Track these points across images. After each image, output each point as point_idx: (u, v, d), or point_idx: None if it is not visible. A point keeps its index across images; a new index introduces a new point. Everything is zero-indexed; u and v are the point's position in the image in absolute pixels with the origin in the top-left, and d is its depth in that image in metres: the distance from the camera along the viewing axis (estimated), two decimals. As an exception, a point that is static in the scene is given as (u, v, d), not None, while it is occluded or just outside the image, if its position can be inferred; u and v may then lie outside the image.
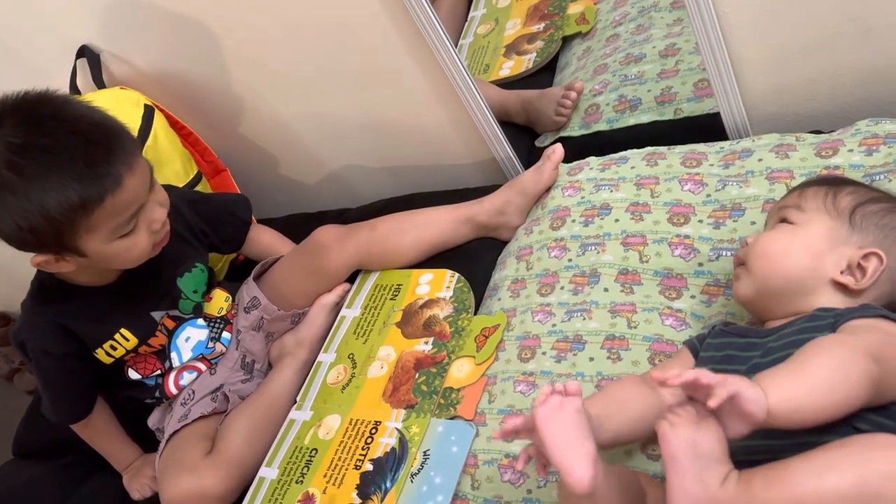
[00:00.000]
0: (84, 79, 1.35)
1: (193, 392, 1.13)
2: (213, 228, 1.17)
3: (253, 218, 1.26)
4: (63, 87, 1.35)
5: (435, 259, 1.17)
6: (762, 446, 0.63)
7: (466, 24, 1.45)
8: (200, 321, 1.13)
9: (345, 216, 1.37)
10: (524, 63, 1.34)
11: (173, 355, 1.12)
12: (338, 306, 1.19)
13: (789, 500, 0.54)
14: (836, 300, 0.73)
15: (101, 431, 1.15)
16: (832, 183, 0.80)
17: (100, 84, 1.33)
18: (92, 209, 0.86)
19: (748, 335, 0.75)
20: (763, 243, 0.78)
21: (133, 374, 1.10)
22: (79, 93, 1.35)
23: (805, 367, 0.60)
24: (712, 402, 0.57)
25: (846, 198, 0.77)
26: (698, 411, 0.59)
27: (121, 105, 1.26)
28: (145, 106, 1.27)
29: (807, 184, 0.82)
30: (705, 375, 0.58)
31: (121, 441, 1.17)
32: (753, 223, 0.91)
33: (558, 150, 1.12)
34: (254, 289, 1.18)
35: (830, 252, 0.74)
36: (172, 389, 1.13)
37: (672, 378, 0.59)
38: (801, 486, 0.54)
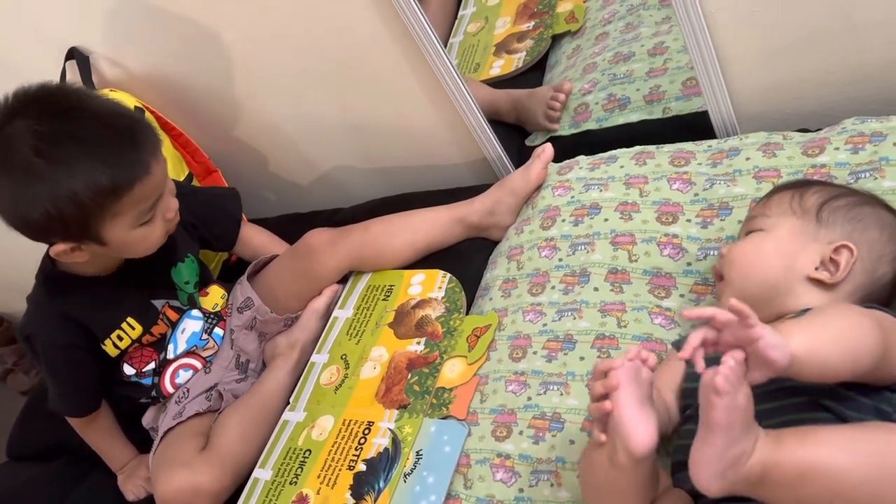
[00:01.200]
0: (73, 81, 1.34)
1: (188, 390, 1.13)
2: (203, 223, 1.17)
3: (244, 216, 1.26)
4: (52, 89, 1.34)
5: (427, 259, 1.18)
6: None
7: (456, 22, 1.45)
8: (196, 312, 1.14)
9: (337, 216, 1.37)
10: (514, 62, 1.35)
11: (170, 347, 1.12)
12: (329, 309, 1.19)
13: (817, 461, 0.55)
14: (815, 297, 0.74)
15: (101, 429, 1.16)
16: (797, 186, 0.82)
17: (89, 86, 1.33)
18: (121, 195, 0.89)
19: None
20: (735, 253, 0.80)
21: (128, 370, 1.10)
22: (68, 95, 1.35)
23: (821, 319, 0.62)
24: (719, 316, 0.58)
25: (812, 197, 0.79)
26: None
27: (111, 107, 1.26)
28: (135, 108, 1.27)
29: (772, 192, 0.84)
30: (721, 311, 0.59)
31: (119, 441, 1.18)
32: (740, 222, 0.92)
33: (548, 150, 1.12)
34: (248, 289, 1.19)
35: (802, 250, 0.75)
36: (169, 388, 1.14)
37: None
38: (833, 448, 0.56)
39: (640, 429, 0.62)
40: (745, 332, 0.58)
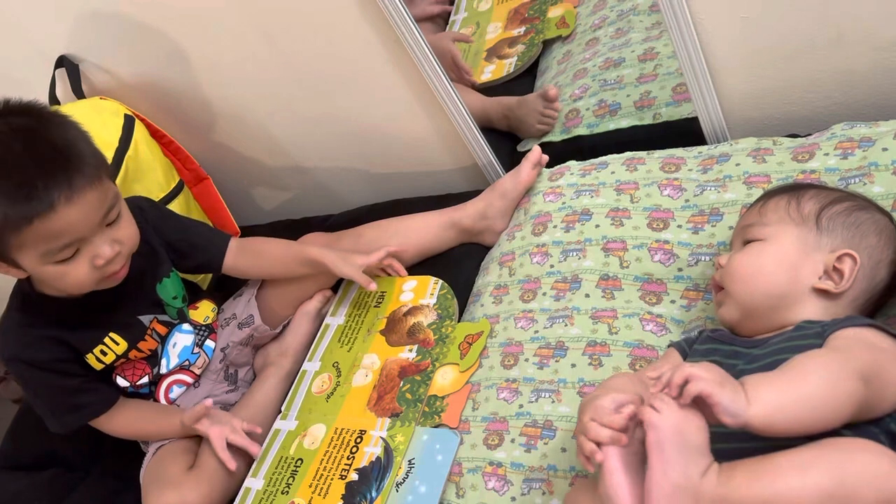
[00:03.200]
0: (63, 89, 1.34)
1: (178, 406, 1.13)
2: (184, 248, 1.13)
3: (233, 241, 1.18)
4: (42, 97, 1.34)
5: (419, 265, 1.18)
6: (734, 444, 0.64)
7: (447, 27, 1.45)
8: (186, 326, 1.13)
9: (329, 222, 1.37)
10: (505, 67, 1.35)
11: (163, 361, 1.11)
12: (320, 313, 1.19)
13: (771, 494, 0.55)
14: (819, 306, 0.74)
15: (133, 410, 1.10)
16: (792, 190, 0.81)
17: (79, 94, 1.33)
18: (18, 226, 0.85)
19: (734, 343, 0.75)
20: (737, 266, 0.78)
21: (121, 382, 1.09)
22: (58, 103, 1.34)
23: (793, 383, 0.60)
24: (683, 400, 0.58)
25: (809, 202, 0.77)
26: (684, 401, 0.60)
27: (100, 115, 1.25)
28: (125, 116, 1.26)
29: (766, 196, 0.83)
30: (692, 372, 0.59)
31: (158, 408, 1.12)
32: (731, 228, 0.92)
33: (537, 151, 1.12)
34: (253, 306, 1.18)
35: (805, 261, 0.75)
36: (163, 402, 1.13)
37: (658, 386, 0.60)
38: (784, 482, 0.55)
39: (625, 499, 0.62)
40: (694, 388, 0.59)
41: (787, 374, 0.61)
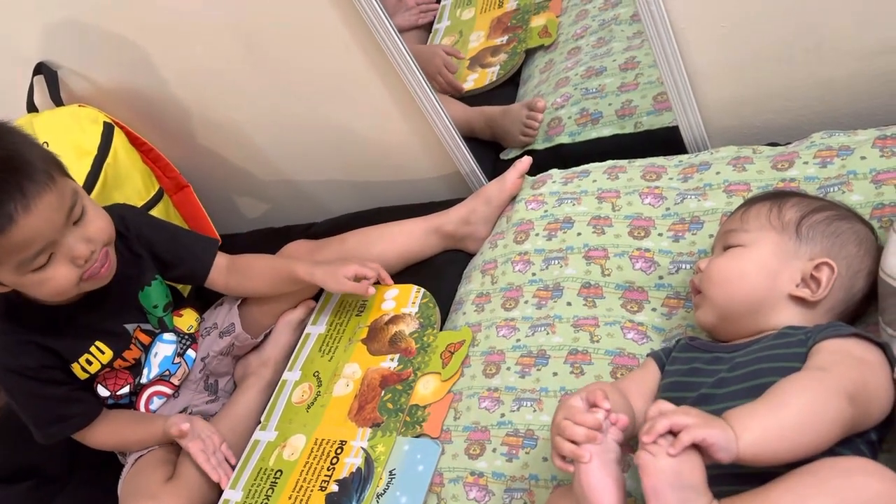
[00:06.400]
0: (42, 96, 1.33)
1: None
2: (170, 257, 1.11)
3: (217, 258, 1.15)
4: (20, 104, 1.32)
5: (401, 273, 1.17)
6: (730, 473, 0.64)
7: (431, 35, 1.45)
8: (168, 336, 1.12)
9: (311, 230, 1.36)
10: (488, 76, 1.35)
11: (144, 371, 1.10)
12: (302, 323, 1.18)
13: None
14: (795, 313, 0.74)
15: (115, 420, 1.08)
16: (774, 197, 0.81)
17: (57, 101, 1.31)
18: None
19: (715, 350, 0.76)
20: (716, 270, 0.79)
21: (102, 391, 1.08)
22: (36, 110, 1.33)
23: (779, 411, 0.60)
24: (672, 451, 0.57)
25: (790, 210, 0.78)
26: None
27: (79, 122, 1.24)
28: (104, 123, 1.25)
29: (749, 203, 0.83)
30: (677, 421, 0.58)
31: (140, 416, 1.10)
32: (711, 236, 0.92)
33: (525, 160, 1.13)
34: (234, 315, 1.17)
35: (783, 268, 0.75)
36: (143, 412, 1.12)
37: (651, 434, 0.59)
38: None
39: (605, 498, 0.62)
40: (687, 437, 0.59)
41: (771, 402, 0.61)
